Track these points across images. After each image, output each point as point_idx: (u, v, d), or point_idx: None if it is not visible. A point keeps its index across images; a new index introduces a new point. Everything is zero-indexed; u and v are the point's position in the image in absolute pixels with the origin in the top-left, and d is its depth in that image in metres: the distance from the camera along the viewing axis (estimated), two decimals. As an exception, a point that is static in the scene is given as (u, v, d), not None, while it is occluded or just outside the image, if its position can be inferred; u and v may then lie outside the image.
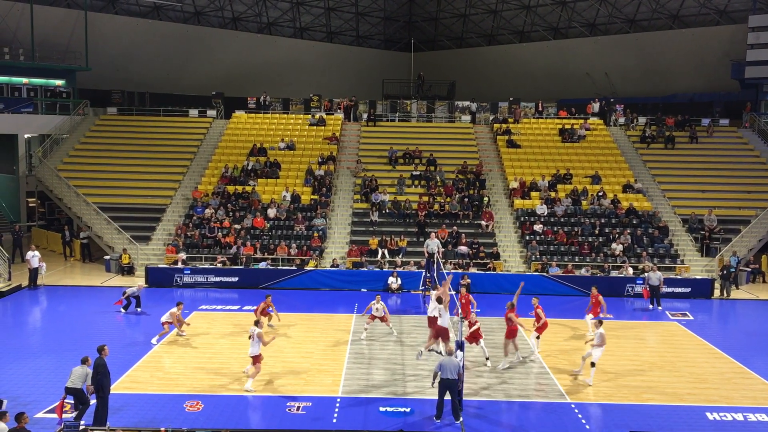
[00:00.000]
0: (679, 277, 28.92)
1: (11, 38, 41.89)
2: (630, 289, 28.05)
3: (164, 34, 51.19)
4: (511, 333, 18.65)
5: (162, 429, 13.15)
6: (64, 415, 14.26)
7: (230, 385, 17.12)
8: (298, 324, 22.85)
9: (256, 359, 17.02)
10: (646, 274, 26.98)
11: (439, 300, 18.85)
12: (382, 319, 21.39)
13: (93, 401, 14.54)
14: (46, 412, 15.19)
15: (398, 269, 28.78)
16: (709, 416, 15.81)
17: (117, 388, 16.44)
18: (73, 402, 14.58)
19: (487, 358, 19.00)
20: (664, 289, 26.83)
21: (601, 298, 22.18)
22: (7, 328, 22.20)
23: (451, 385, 15.06)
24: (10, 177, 40.87)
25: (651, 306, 26.09)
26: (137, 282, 26.31)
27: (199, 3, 53.81)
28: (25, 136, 40.15)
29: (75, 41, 44.38)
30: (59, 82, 43.02)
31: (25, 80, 41.05)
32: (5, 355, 18.70)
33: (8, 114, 38.85)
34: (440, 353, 18.40)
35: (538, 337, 19.75)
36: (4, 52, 40.92)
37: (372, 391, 16.94)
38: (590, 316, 21.97)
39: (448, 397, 15.23)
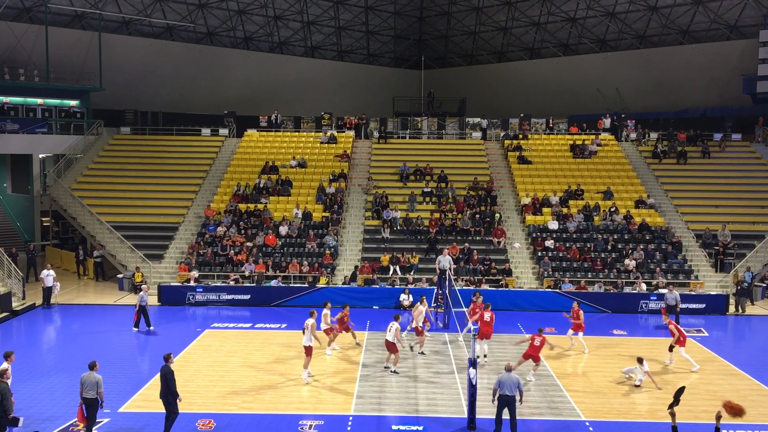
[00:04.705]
0: (693, 292, 28.68)
1: (26, 60, 42.50)
2: (644, 305, 27.86)
3: (177, 55, 51.79)
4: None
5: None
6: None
7: (242, 404, 17.11)
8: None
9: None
10: (663, 293, 26.75)
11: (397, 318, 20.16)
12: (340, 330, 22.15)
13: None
14: (60, 431, 15.23)
15: (410, 286, 28.77)
16: (726, 434, 15.62)
17: (129, 406, 16.51)
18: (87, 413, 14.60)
19: (485, 356, 20.73)
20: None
21: (581, 313, 22.31)
22: (21, 346, 22.26)
23: (509, 401, 15.11)
24: (25, 196, 41.34)
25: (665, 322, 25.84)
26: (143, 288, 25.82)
27: (211, 23, 54.44)
28: (40, 156, 40.67)
29: (89, 62, 44.99)
30: (73, 103, 43.56)
31: (39, 101, 41.60)
32: (20, 373, 18.74)
33: (23, 134, 39.41)
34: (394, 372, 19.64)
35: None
36: (20, 74, 41.52)
37: (384, 409, 16.88)
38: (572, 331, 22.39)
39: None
